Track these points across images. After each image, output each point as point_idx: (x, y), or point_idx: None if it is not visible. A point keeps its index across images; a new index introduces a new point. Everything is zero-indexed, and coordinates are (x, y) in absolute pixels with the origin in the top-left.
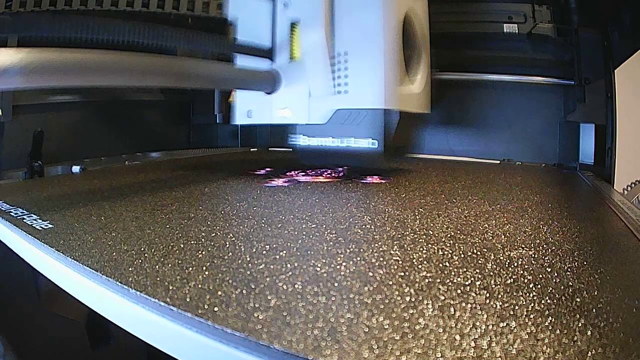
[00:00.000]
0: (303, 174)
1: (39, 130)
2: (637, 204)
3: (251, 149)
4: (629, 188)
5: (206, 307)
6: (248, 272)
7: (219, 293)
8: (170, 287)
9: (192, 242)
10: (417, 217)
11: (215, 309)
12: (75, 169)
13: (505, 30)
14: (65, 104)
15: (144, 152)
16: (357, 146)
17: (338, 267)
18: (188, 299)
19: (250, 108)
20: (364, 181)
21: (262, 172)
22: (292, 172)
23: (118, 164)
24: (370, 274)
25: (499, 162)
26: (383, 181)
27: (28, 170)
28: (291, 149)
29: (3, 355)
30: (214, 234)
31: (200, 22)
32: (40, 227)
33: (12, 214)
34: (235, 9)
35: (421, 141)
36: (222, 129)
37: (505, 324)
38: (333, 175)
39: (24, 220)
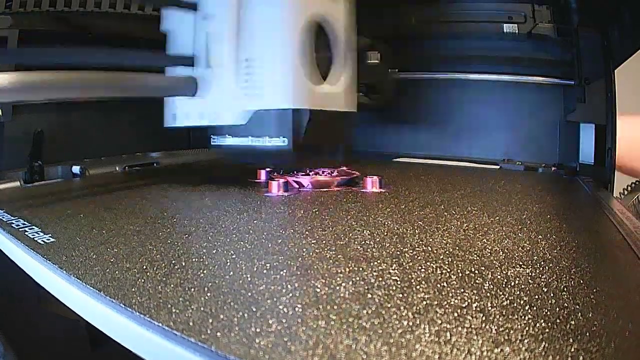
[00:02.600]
0: (303, 174)
1: (39, 130)
2: (637, 204)
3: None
4: (625, 192)
5: (209, 332)
6: (249, 294)
7: (221, 317)
8: (174, 310)
9: (194, 259)
10: (416, 231)
11: (218, 334)
12: (75, 169)
13: (505, 30)
14: (65, 104)
15: (144, 152)
16: (269, 145)
17: (337, 287)
18: (191, 323)
19: (175, 112)
20: (364, 191)
21: (263, 178)
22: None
23: (118, 164)
24: (369, 295)
25: (498, 167)
26: (382, 190)
27: (28, 170)
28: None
29: (3, 355)
30: (214, 251)
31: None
32: (42, 240)
33: (13, 225)
34: (168, 23)
35: (420, 142)
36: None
37: (499, 350)
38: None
39: (26, 234)
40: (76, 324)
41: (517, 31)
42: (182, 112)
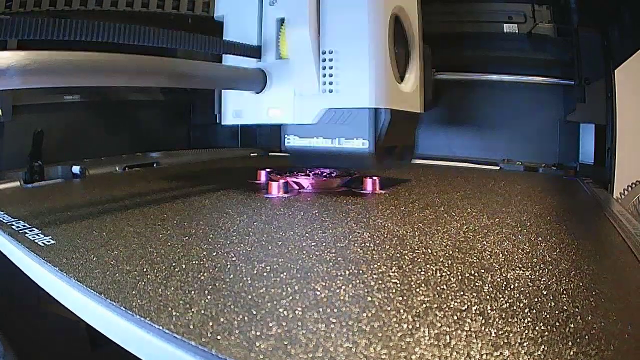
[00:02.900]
0: (304, 175)
1: (39, 130)
2: (637, 204)
3: (251, 154)
4: (625, 192)
5: (209, 334)
6: (249, 297)
7: (222, 320)
8: (174, 313)
9: (194, 261)
10: (416, 233)
11: (218, 337)
12: (75, 169)
13: (505, 30)
14: (65, 104)
15: (144, 152)
16: (347, 147)
17: (337, 290)
18: (191, 326)
19: (239, 108)
20: (364, 192)
21: (263, 179)
22: (292, 175)
23: (118, 164)
24: (369, 298)
25: (498, 167)
26: (382, 192)
27: (28, 170)
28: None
29: (3, 355)
30: (214, 253)
31: (190, 22)
32: (43, 243)
33: (13, 227)
34: (223, 8)
35: (421, 142)
36: (222, 129)
37: (499, 353)
38: (332, 176)
39: (26, 235)
40: (76, 324)
41: (517, 31)
42: (246, 109)
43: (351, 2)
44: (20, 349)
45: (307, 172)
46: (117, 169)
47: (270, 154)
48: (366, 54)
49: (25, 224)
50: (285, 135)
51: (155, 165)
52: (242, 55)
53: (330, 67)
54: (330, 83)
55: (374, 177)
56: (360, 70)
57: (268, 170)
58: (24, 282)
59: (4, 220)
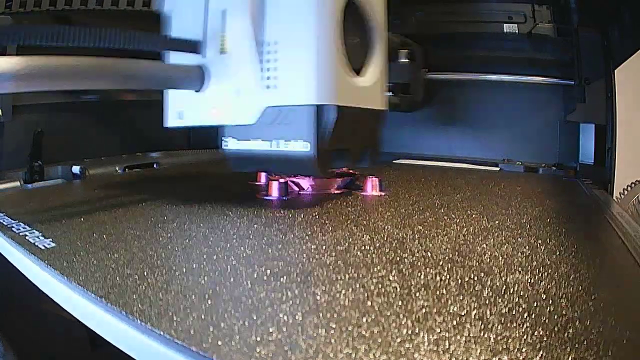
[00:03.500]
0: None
1: (39, 130)
2: (637, 204)
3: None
4: (625, 192)
5: (210, 340)
6: (249, 302)
7: (222, 325)
8: (175, 318)
9: (194, 265)
10: (416, 236)
11: (219, 342)
12: (75, 169)
13: (505, 30)
14: (65, 104)
15: (144, 152)
16: (287, 150)
17: (337, 295)
18: (192, 332)
19: (182, 109)
20: (364, 194)
21: (262, 180)
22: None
23: (118, 164)
24: (369, 303)
25: (498, 168)
26: (382, 193)
27: (28, 170)
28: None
29: (3, 355)
30: (215, 256)
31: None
32: (43, 245)
33: (14, 229)
34: (170, 2)
35: (421, 142)
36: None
37: (497, 359)
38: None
39: (26, 238)
40: (76, 324)
41: (517, 31)
42: (189, 109)
43: None
44: (20, 349)
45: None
46: (117, 169)
47: None
48: (310, 44)
49: (26, 226)
50: (223, 138)
51: (155, 165)
52: (180, 51)
53: (272, 60)
54: (270, 78)
55: (374, 179)
56: (303, 62)
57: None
58: (23, 282)
59: (4, 222)
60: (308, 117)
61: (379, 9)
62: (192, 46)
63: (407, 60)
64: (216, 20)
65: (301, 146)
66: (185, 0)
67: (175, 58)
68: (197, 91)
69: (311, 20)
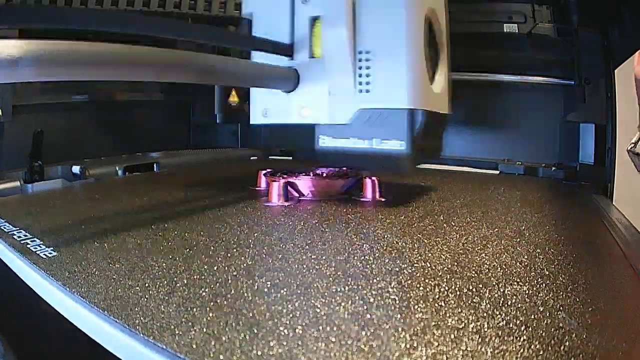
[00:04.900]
0: (304, 174)
1: (39, 130)
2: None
3: (251, 157)
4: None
5: (212, 354)
6: (250, 314)
7: (224, 339)
8: (177, 332)
9: (195, 276)
10: (415, 245)
11: (221, 356)
12: (75, 169)
13: (505, 30)
14: (65, 104)
15: (144, 152)
16: (383, 148)
17: (337, 307)
18: (194, 345)
19: (268, 107)
20: (364, 200)
21: (263, 185)
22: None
23: (118, 164)
24: (368, 315)
25: (498, 172)
26: (383, 199)
27: (28, 170)
28: (290, 157)
29: (3, 355)
30: (215, 267)
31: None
32: (45, 254)
33: (15, 236)
34: (252, 5)
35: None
36: (222, 129)
37: None
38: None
39: (28, 246)
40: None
41: (517, 31)
42: (275, 108)
43: (388, 2)
44: (20, 349)
45: (307, 172)
46: (117, 169)
47: (269, 157)
48: (403, 54)
49: (27, 234)
50: (320, 136)
51: (155, 165)
52: (274, 53)
53: (367, 67)
54: (367, 83)
55: (374, 183)
56: (397, 71)
57: (269, 170)
58: (24, 283)
59: (5, 229)
60: (403, 119)
61: (444, 23)
62: (286, 49)
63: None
64: (304, 27)
65: (397, 145)
66: (267, 4)
67: (261, 59)
68: (289, 92)
69: (404, 32)
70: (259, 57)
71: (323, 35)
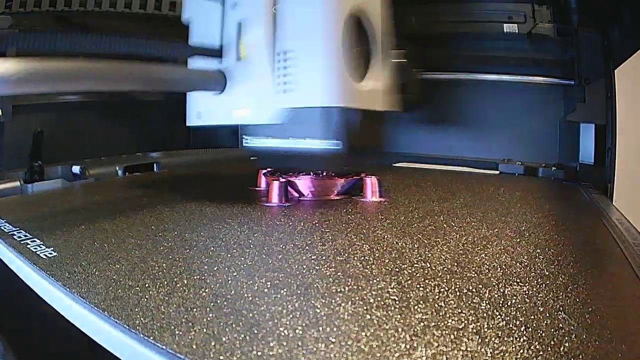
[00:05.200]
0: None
1: (39, 130)
2: None
3: (251, 157)
4: None
5: (212, 355)
6: (250, 315)
7: (224, 339)
8: (177, 332)
9: (195, 276)
10: (415, 245)
11: (221, 357)
12: (75, 169)
13: (505, 30)
14: (65, 104)
15: (144, 152)
16: (308, 147)
17: (337, 308)
18: (194, 346)
19: (203, 109)
20: (364, 200)
21: (263, 186)
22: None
23: (118, 164)
24: (368, 316)
25: (498, 172)
26: (382, 199)
27: (28, 170)
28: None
29: (3, 355)
30: (215, 267)
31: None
32: (44, 254)
33: (15, 237)
34: (189, 11)
35: (421, 142)
36: (221, 129)
37: None
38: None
39: (28, 247)
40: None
41: (517, 31)
42: (208, 110)
43: (307, 2)
44: (20, 349)
45: (307, 172)
46: (117, 169)
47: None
48: (320, 53)
49: (27, 234)
50: (244, 136)
51: (155, 165)
52: (204, 56)
53: (284, 68)
54: (285, 83)
55: (374, 183)
56: (314, 70)
57: (269, 170)
58: (23, 283)
59: (5, 230)
60: (322, 117)
61: (379, 22)
62: (214, 53)
63: (402, 60)
64: (232, 31)
65: (321, 143)
66: (203, 10)
67: (194, 64)
68: (218, 94)
69: (320, 32)
70: (195, 61)
71: (243, 37)
